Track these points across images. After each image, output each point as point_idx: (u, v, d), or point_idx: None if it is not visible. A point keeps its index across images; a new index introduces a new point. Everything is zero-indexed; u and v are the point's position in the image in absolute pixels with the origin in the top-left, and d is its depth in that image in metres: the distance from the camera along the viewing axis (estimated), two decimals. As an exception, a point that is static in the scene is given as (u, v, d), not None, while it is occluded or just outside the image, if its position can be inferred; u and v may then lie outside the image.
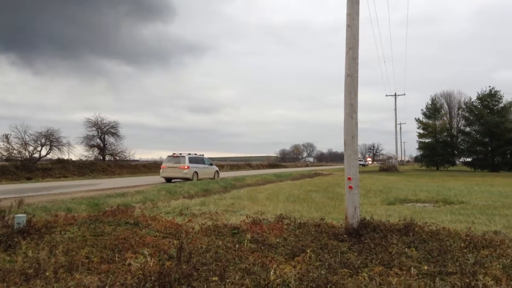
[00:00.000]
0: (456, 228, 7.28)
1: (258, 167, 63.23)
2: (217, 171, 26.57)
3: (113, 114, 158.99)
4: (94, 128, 42.31)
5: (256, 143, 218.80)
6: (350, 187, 6.74)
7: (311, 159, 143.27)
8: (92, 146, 42.00)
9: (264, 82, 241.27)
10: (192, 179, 22.81)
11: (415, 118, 66.84)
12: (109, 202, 11.70)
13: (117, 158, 42.19)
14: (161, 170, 23.71)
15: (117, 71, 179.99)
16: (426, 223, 7.36)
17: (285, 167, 72.93)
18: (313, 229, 6.85)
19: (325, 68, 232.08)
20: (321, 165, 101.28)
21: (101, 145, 42.59)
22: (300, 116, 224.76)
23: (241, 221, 7.94)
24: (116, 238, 6.07)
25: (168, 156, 24.20)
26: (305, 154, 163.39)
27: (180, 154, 23.97)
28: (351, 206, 6.72)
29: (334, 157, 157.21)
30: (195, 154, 25.02)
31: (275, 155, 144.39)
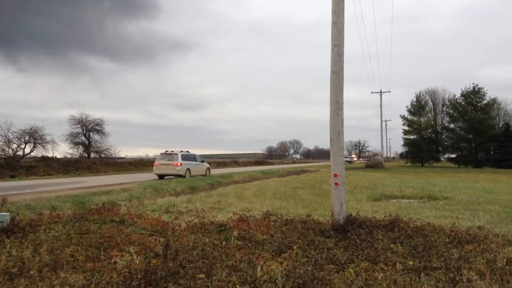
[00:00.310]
0: (440, 223, 7.37)
1: (245, 164, 63.35)
2: (208, 168, 27.41)
3: (98, 111, 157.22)
4: (78, 126, 41.90)
5: (242, 140, 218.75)
6: (336, 184, 6.79)
7: (298, 156, 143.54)
8: (77, 144, 41.56)
9: (250, 79, 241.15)
10: (184, 176, 23.42)
11: (400, 115, 67.77)
12: (95, 200, 11.60)
13: (103, 155, 41.82)
14: (154, 167, 24.37)
15: (102, 67, 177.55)
16: (411, 219, 7.45)
17: (272, 164, 73.12)
18: (300, 226, 6.88)
19: (310, 65, 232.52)
20: (308, 162, 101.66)
21: (86, 142, 42.17)
22: (286, 113, 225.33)
23: (228, 218, 7.94)
24: (102, 236, 6.02)
25: (161, 154, 24.90)
26: (292, 151, 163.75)
27: (173, 151, 24.59)
28: (337, 202, 6.77)
29: (321, 154, 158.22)
30: (187, 151, 25.66)
31: (262, 152, 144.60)
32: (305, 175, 30.76)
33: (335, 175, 6.82)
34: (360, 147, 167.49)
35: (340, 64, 6.97)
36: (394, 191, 15.28)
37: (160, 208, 10.36)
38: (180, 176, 23.41)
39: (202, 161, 27.21)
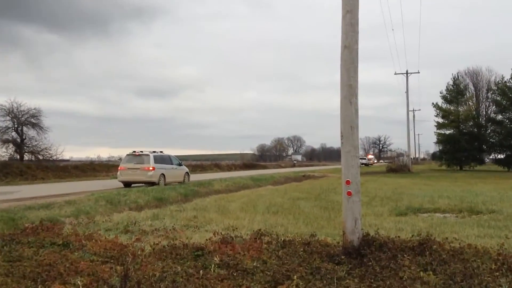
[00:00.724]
0: (485, 245, 7.38)
1: (230, 168, 63.40)
2: (187, 172, 28.41)
3: (34, 99, 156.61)
4: (8, 118, 41.59)
5: (226, 136, 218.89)
6: (349, 193, 6.80)
7: (299, 157, 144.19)
8: (5, 142, 41.22)
9: (235, 56, 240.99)
10: (158, 183, 24.14)
11: (433, 104, 68.16)
12: (30, 216, 11.49)
13: (40, 157, 41.57)
14: (118, 173, 25.21)
15: (37, 40, 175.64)
16: (446, 238, 7.47)
17: (265, 168, 73.30)
18: (301, 249, 6.90)
19: (315, 38, 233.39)
20: (312, 165, 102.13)
21: (18, 140, 41.82)
22: (283, 102, 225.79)
23: (206, 239, 7.93)
24: (39, 264, 5.97)
25: (128, 155, 25.63)
26: (290, 151, 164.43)
27: (142, 152, 25.26)
28: (350, 218, 6.78)
29: (329, 155, 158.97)
30: (161, 152, 26.55)
31: (252, 152, 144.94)
32: (308, 182, 30.87)
33: (348, 182, 6.83)
34: (381, 145, 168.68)
35: (354, 37, 6.96)
36: (425, 203, 15.39)
37: (117, 226, 10.29)
38: (153, 183, 23.85)
39: (180, 164, 28.02)
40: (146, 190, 18.72)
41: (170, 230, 9.64)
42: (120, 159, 30.96)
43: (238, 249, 6.92)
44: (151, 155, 25.01)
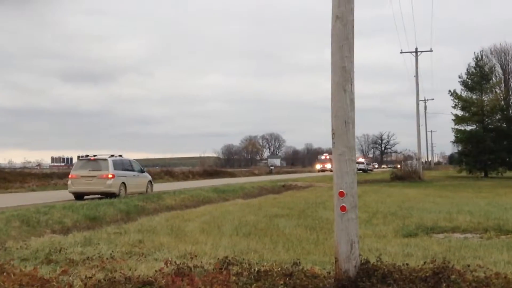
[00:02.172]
0: (517, 274, 7.48)
1: (186, 176, 63.02)
2: (150, 181, 30.57)
3: None
4: None
5: (181, 135, 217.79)
6: (343, 209, 6.84)
7: (277, 162, 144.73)
8: None
9: (192, 29, 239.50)
10: (119, 194, 25.48)
11: (450, 91, 68.48)
12: None
13: None
14: (69, 182, 26.59)
15: None
16: (468, 266, 7.52)
17: (232, 175, 73.10)
18: (281, 282, 6.88)
19: (296, 4, 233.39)
20: (295, 172, 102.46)
21: None
22: (256, 89, 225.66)
23: (156, 271, 7.85)
24: None
25: (80, 160, 27.70)
26: (266, 154, 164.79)
27: (96, 156, 26.91)
28: (344, 240, 6.82)
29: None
30: (120, 156, 28.32)
31: (215, 155, 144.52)
32: (289, 194, 30.94)
33: (341, 194, 6.87)
34: (383, 145, 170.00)
35: (349, 4, 7.02)
36: (440, 220, 15.57)
37: (36, 255, 10.20)
38: (112, 194, 25.25)
39: (142, 171, 30.21)
40: (74, 207, 18.56)
41: (107, 259, 9.52)
42: (39, 165, 31.67)
43: (198, 283, 6.90)
44: (110, 160, 26.43)
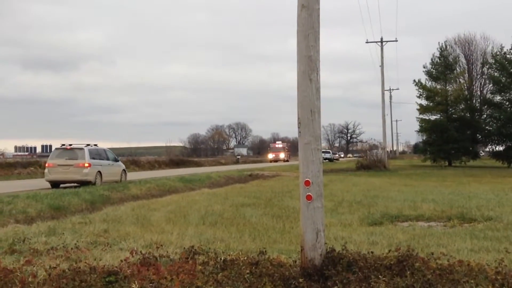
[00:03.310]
0: (480, 261, 7.48)
1: (152, 165, 62.87)
2: (124, 170, 31.88)
3: None
4: None
5: (146, 124, 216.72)
6: (309, 198, 6.86)
7: (244, 151, 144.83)
8: None
9: (156, 17, 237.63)
10: (94, 183, 26.63)
11: (414, 81, 69.26)
12: None
13: None
14: (46, 170, 27.59)
15: None
16: (432, 254, 7.55)
17: (199, 165, 73.04)
18: (248, 271, 6.88)
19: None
20: (261, 161, 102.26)
21: None
22: (222, 77, 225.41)
23: (121, 260, 7.82)
24: None
25: (57, 149, 28.55)
26: (233, 143, 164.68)
27: (72, 146, 27.99)
28: (310, 229, 6.85)
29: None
30: (95, 145, 29.48)
31: (182, 145, 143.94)
32: (256, 183, 31.01)
33: (307, 183, 6.90)
34: (349, 135, 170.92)
35: (315, -7, 7.04)
36: (405, 209, 15.76)
37: (0, 245, 10.09)
38: (88, 183, 26.21)
39: (116, 160, 31.45)
40: (38, 196, 18.35)
41: (72, 249, 9.48)
42: (3, 154, 32.77)
43: (164, 273, 6.85)
44: (86, 149, 27.49)
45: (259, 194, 21.72)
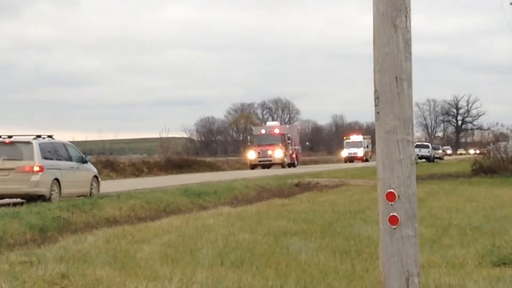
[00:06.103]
0: None
1: (138, 169, 52.92)
2: (96, 176, 25.10)
3: None
4: None
5: (128, 103, 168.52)
6: (394, 221, 5.14)
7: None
8: None
9: None
10: (49, 198, 20.72)
11: None
12: None
13: None
14: None
15: None
16: None
17: (214, 168, 64.39)
18: None
19: None
20: (316, 161, 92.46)
21: None
22: (246, 25, 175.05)
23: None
24: None
25: None
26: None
27: (11, 138, 21.95)
28: (396, 271, 5.18)
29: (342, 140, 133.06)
30: (49, 137, 23.32)
31: (186, 135, 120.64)
32: (307, 197, 27.15)
33: (390, 197, 5.09)
34: (460, 118, 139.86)
35: None
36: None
37: None
38: (38, 197, 20.54)
39: (84, 161, 24.58)
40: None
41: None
42: None
43: None
44: (36, 144, 21.22)
45: (312, 216, 18.75)
